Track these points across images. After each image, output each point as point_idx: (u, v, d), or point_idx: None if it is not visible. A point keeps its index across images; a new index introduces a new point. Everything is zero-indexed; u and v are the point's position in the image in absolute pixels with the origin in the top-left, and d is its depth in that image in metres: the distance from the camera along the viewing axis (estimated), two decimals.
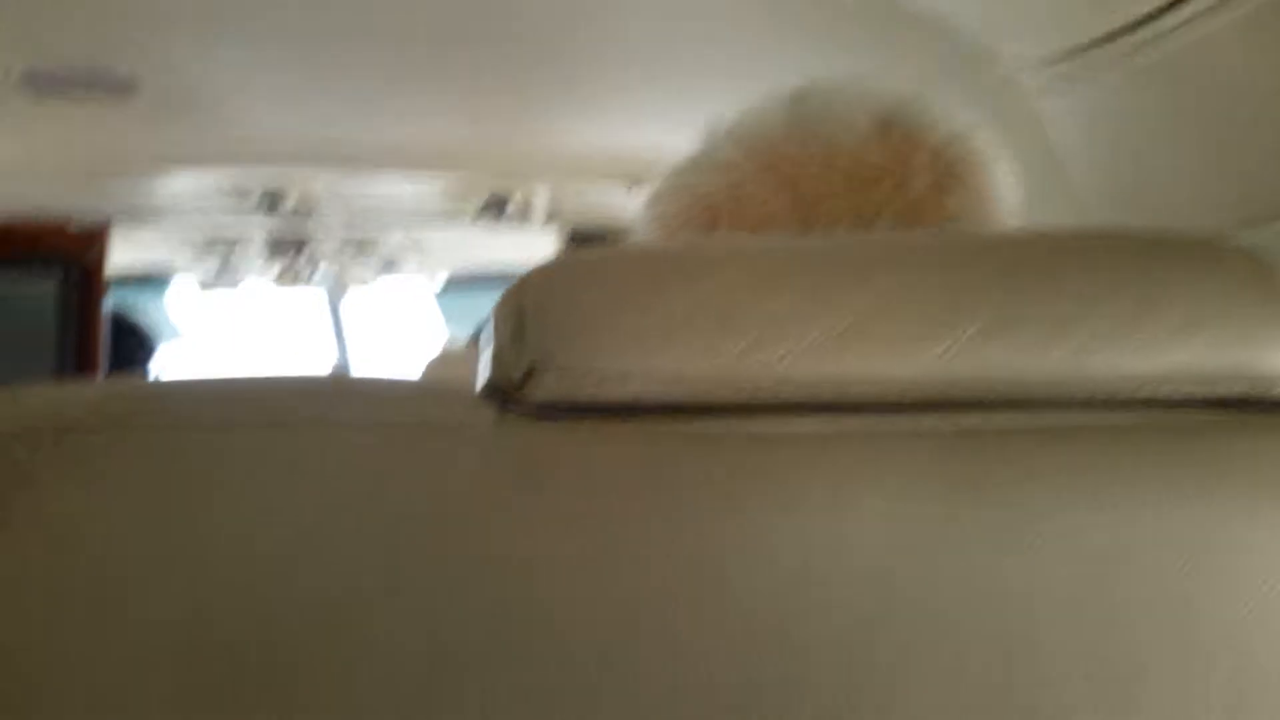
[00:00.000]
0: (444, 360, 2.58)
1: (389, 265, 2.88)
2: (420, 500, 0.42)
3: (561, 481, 0.43)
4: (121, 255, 2.24)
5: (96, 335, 1.97)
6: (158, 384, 0.47)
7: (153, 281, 3.02)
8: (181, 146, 1.53)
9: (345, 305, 3.78)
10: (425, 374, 2.50)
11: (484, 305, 2.68)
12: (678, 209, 0.65)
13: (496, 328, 0.47)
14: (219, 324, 3.64)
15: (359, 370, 3.93)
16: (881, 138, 0.62)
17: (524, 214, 2.06)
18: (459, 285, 3.46)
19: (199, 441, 0.42)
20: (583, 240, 2.32)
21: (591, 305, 0.45)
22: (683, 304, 0.45)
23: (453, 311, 4.57)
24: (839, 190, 0.61)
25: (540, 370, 0.44)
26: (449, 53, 1.23)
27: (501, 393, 0.45)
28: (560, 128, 1.53)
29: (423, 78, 1.31)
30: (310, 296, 3.60)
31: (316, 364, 3.90)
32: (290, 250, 2.54)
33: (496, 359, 0.46)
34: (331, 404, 0.44)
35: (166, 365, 2.57)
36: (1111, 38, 0.90)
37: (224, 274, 2.77)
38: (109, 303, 2.13)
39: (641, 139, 1.57)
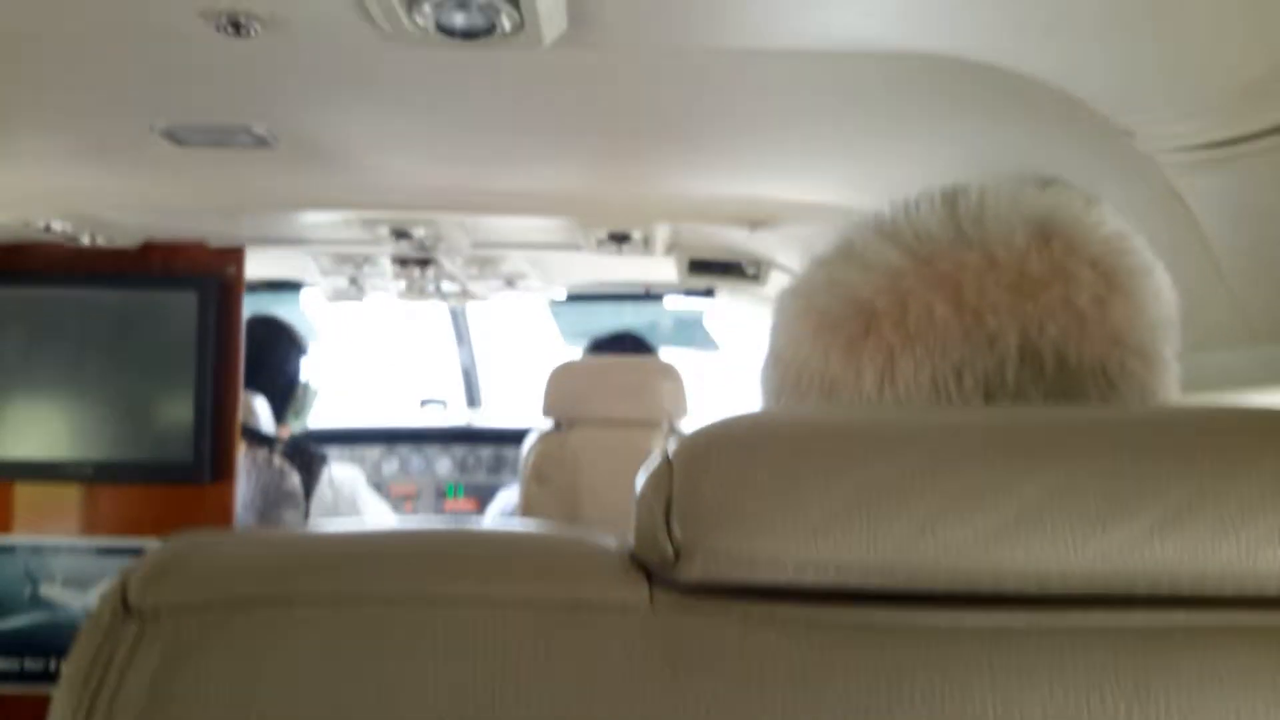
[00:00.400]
0: (566, 370, 2.63)
1: (510, 281, 2.92)
2: (575, 678, 0.43)
3: (713, 667, 0.43)
4: (255, 268, 2.32)
5: (236, 344, 2.05)
6: (326, 549, 0.48)
7: (286, 287, 3.11)
8: (315, 190, 1.58)
9: (468, 317, 3.85)
10: (549, 383, 2.57)
11: (601, 316, 2.73)
12: (834, 309, 0.63)
13: (645, 501, 0.46)
14: (348, 332, 3.75)
15: (483, 377, 4.01)
16: (1041, 247, 0.60)
17: (645, 245, 2.07)
18: (577, 297, 3.49)
19: (365, 616, 0.43)
20: (702, 268, 2.32)
21: (744, 488, 0.44)
22: (840, 492, 0.44)
23: (570, 321, 4.62)
24: (1003, 300, 0.59)
25: (690, 552, 0.44)
26: (573, 111, 1.24)
27: (652, 570, 0.45)
28: (682, 178, 1.53)
29: (547, 131, 1.32)
30: (434, 309, 3.68)
31: (442, 372, 3.99)
32: (415, 267, 2.59)
33: (646, 534, 0.45)
34: (491, 579, 0.45)
35: (314, 368, 2.64)
36: (1264, 135, 0.86)
37: (352, 288, 2.85)
38: (261, 307, 2.21)
39: (762, 190, 1.56)
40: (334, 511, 2.40)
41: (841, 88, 1.13)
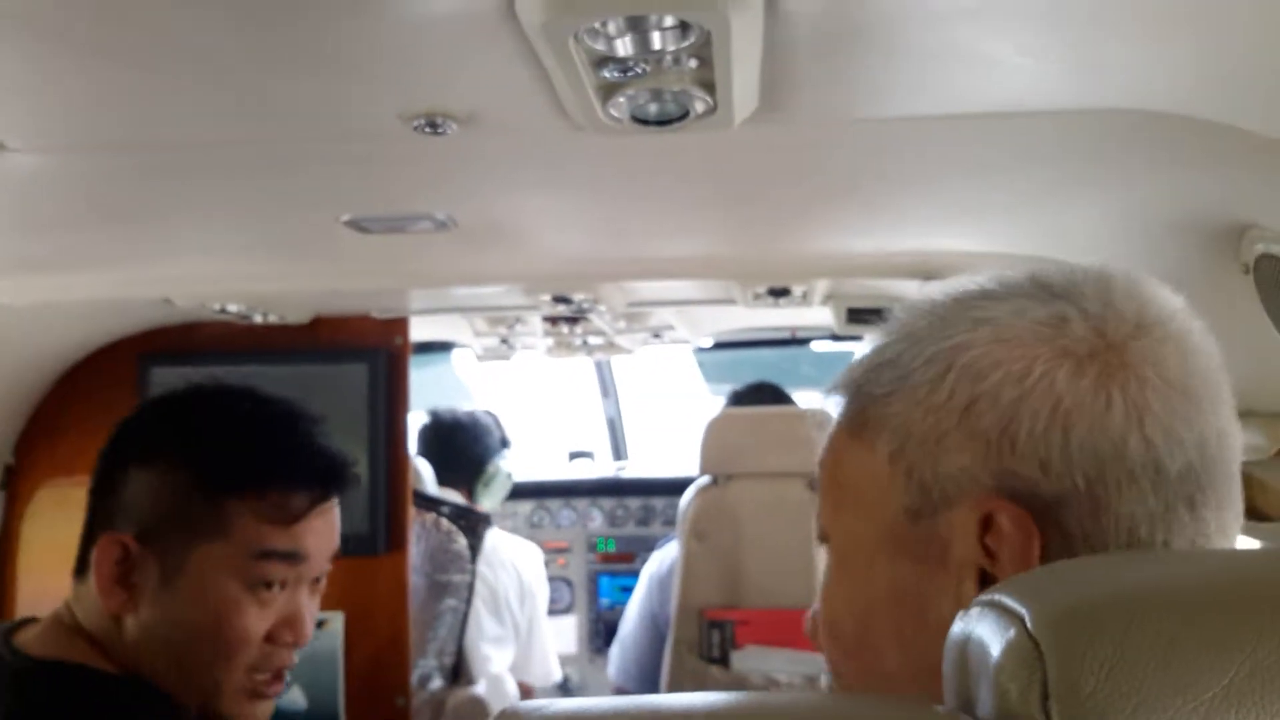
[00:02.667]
0: (721, 424, 2.62)
1: (657, 333, 2.93)
2: None
3: None
4: (415, 333, 2.37)
5: (403, 413, 2.09)
6: None
7: (437, 348, 3.18)
8: (485, 267, 1.61)
9: (613, 369, 3.88)
10: (704, 438, 2.57)
11: (743, 363, 2.71)
12: (1087, 341, 0.64)
13: (1000, 685, 0.43)
14: (498, 387, 3.81)
15: (629, 428, 4.03)
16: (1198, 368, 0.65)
17: (804, 299, 2.06)
18: (723, 344, 3.49)
19: None
20: (859, 318, 2.29)
21: (1128, 676, 0.41)
22: (1230, 673, 0.41)
23: (712, 366, 4.62)
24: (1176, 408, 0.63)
25: None
26: (748, 180, 1.24)
27: None
28: (850, 236, 1.52)
29: (718, 201, 1.33)
30: (580, 364, 3.72)
31: (589, 424, 4.02)
32: (564, 324, 2.62)
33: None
34: None
35: (512, 461, 2.74)
36: None
37: (502, 346, 2.90)
38: (414, 369, 2.27)
39: (933, 243, 1.53)
40: (499, 579, 2.43)
41: (1016, 145, 1.11)
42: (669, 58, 0.81)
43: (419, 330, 2.69)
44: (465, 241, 1.41)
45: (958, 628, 0.47)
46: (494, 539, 2.45)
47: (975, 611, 0.47)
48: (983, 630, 0.45)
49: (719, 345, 3.49)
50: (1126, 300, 0.65)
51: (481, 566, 2.35)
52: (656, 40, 0.78)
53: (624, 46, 0.78)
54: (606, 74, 0.84)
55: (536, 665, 2.53)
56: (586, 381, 3.99)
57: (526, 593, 2.49)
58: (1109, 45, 0.84)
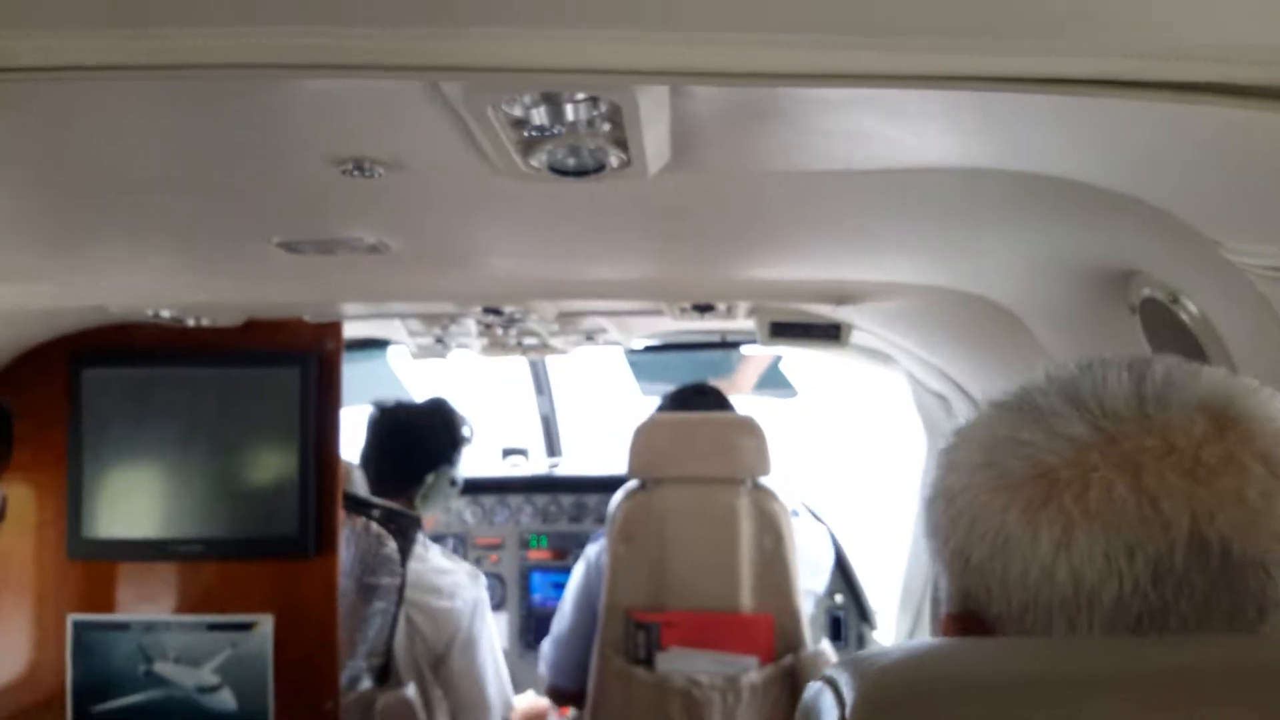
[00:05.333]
0: (649, 429, 2.67)
1: (590, 336, 2.98)
2: None
3: None
4: (345, 329, 2.39)
5: (335, 417, 2.12)
6: None
7: (372, 345, 3.19)
8: (417, 287, 1.65)
9: (547, 367, 3.92)
10: (633, 443, 2.61)
11: (677, 361, 2.75)
12: (1017, 470, 0.65)
13: None
14: (431, 384, 3.82)
15: (563, 426, 4.07)
16: (1217, 437, 0.63)
17: (728, 313, 2.12)
18: (655, 348, 3.55)
19: None
20: (781, 331, 2.36)
21: None
22: None
23: (646, 366, 4.67)
24: (1178, 486, 0.62)
25: None
26: (667, 218, 1.29)
27: None
28: (769, 266, 1.58)
29: (642, 234, 1.38)
30: (513, 363, 3.75)
31: (523, 421, 4.06)
32: (499, 326, 2.65)
33: None
34: None
35: (470, 457, 2.71)
36: None
37: (437, 346, 2.93)
38: (349, 365, 2.29)
39: (847, 274, 1.60)
40: (435, 599, 2.42)
41: (920, 194, 1.17)
42: (583, 123, 0.87)
43: (353, 329, 2.72)
44: (397, 262, 1.45)
45: (807, 695, 0.53)
46: (424, 567, 2.44)
47: (817, 687, 0.53)
48: (820, 706, 0.51)
49: (651, 348, 3.54)
50: (1108, 401, 0.66)
51: (411, 577, 2.36)
52: (569, 112, 0.83)
53: (539, 116, 0.84)
54: (525, 133, 0.89)
55: (472, 712, 2.52)
56: (520, 379, 4.02)
57: (453, 627, 2.46)
58: (1010, 123, 0.90)
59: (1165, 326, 1.27)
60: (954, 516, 0.69)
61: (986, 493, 0.67)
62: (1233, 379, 0.67)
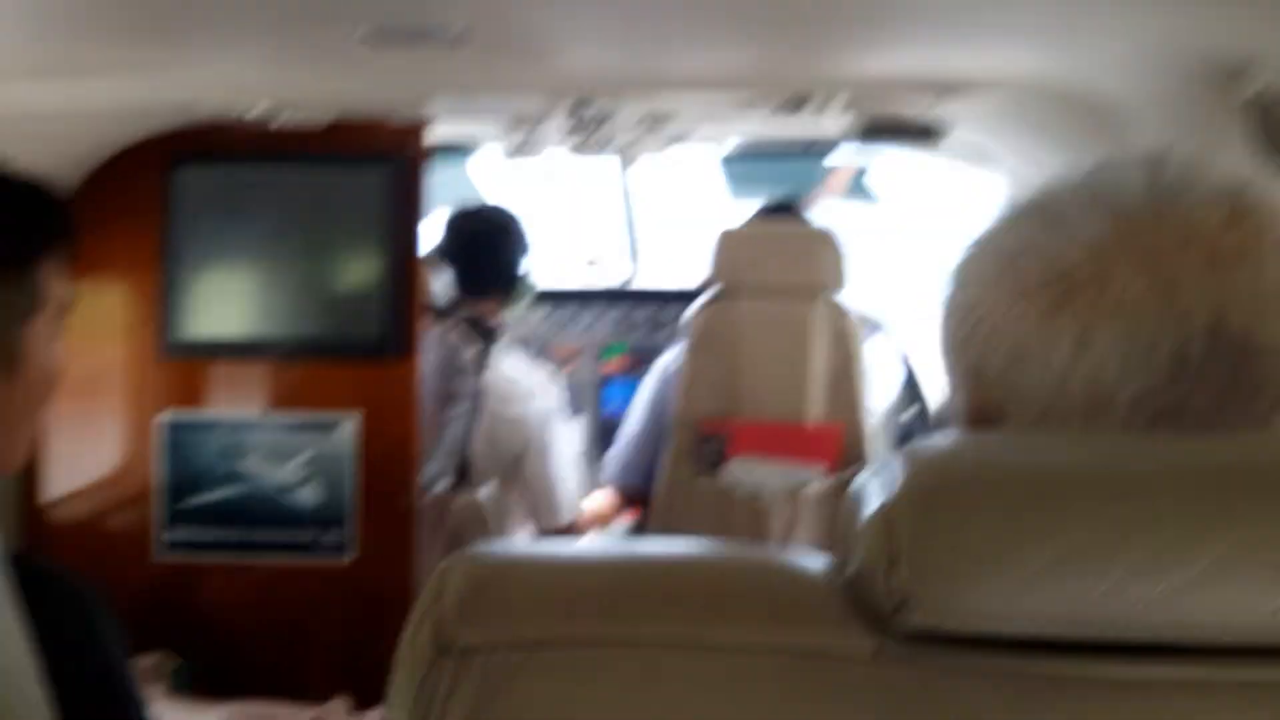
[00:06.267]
0: (730, 239, 2.64)
1: (679, 137, 2.92)
2: (809, 716, 0.49)
3: (925, 713, 0.48)
4: (434, 133, 2.36)
5: (418, 220, 2.12)
6: (602, 587, 0.54)
7: (454, 150, 3.16)
8: (501, 78, 1.60)
9: (632, 176, 3.86)
10: (713, 252, 2.59)
11: (770, 172, 2.70)
12: (1033, 274, 0.65)
13: (866, 549, 0.50)
14: (513, 193, 3.79)
15: (645, 236, 4.03)
16: (1234, 226, 0.62)
17: (821, 109, 2.05)
18: (743, 153, 3.47)
19: (641, 659, 0.50)
20: (877, 130, 2.28)
21: (964, 547, 0.48)
22: (1052, 550, 0.47)
23: (735, 175, 4.59)
24: (1196, 279, 0.61)
25: (912, 604, 0.48)
26: (748, 3, 1.24)
27: (875, 617, 0.50)
28: (866, 51, 1.52)
29: (733, 11, 1.33)
30: (604, 164, 3.69)
31: (605, 232, 4.02)
32: (589, 125, 2.60)
33: (867, 581, 0.50)
34: (741, 624, 0.51)
35: (534, 263, 2.70)
36: None
37: (526, 146, 2.89)
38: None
39: (948, 63, 1.54)
40: (509, 406, 2.45)
41: None
42: None
43: (441, 131, 2.68)
44: (483, 52, 1.41)
45: (858, 481, 0.54)
46: (503, 373, 2.46)
47: (868, 473, 0.54)
48: (869, 490, 0.52)
49: (739, 155, 3.47)
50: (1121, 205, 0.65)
51: (490, 389, 2.39)
52: None
53: None
54: None
55: (546, 512, 2.59)
56: (603, 189, 3.98)
57: (527, 432, 2.50)
58: None
59: (1271, 125, 1.20)
60: (970, 330, 0.68)
61: (1004, 302, 0.66)
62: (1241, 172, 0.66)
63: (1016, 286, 0.65)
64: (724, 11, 1.31)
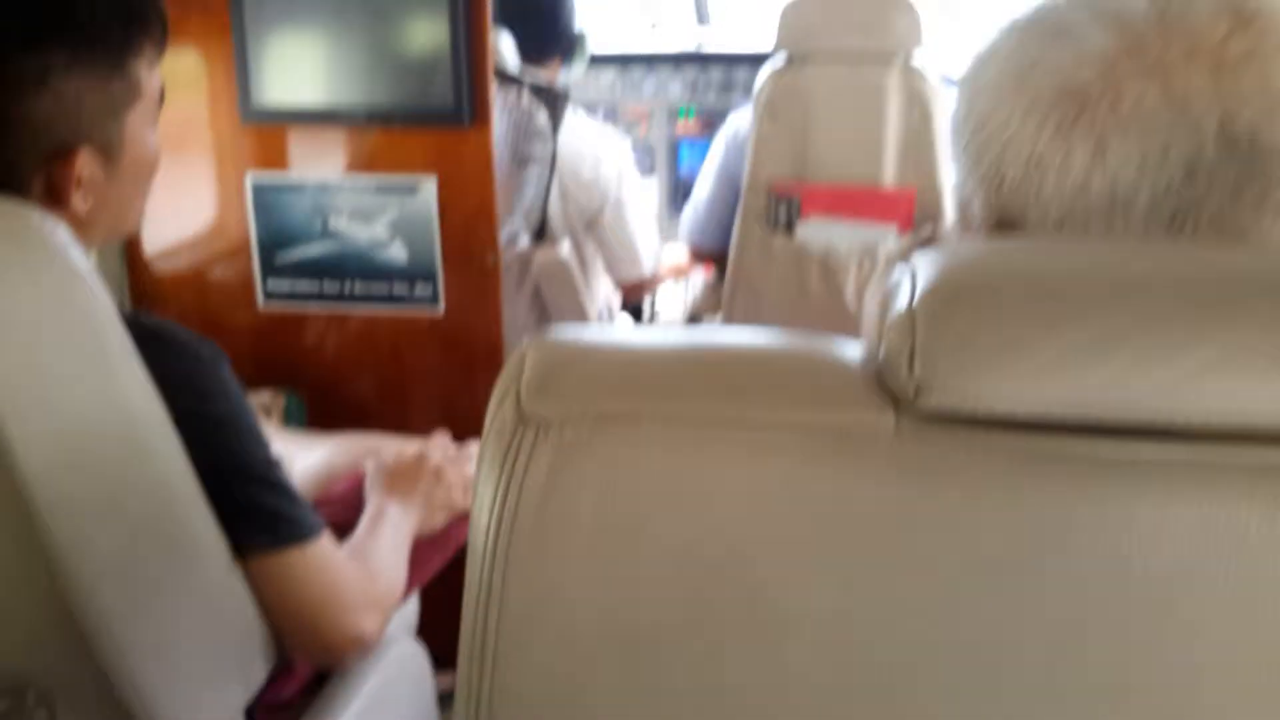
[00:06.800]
0: (800, 2, 2.60)
1: None
2: (834, 489, 0.56)
3: (943, 484, 0.55)
4: None
5: (485, 11, 2.13)
6: (662, 372, 0.61)
7: None
8: None
9: None
10: (782, 16, 2.55)
11: None
12: (1046, 92, 0.67)
13: (891, 341, 0.56)
14: None
15: (712, 1, 3.95)
16: (1240, 30, 0.64)
17: None
18: None
19: (688, 435, 0.58)
20: None
21: (976, 341, 0.54)
22: (1056, 346, 0.53)
23: None
24: (1206, 85, 0.64)
25: (929, 389, 0.54)
26: None
27: (895, 395, 0.56)
28: None
29: None
30: None
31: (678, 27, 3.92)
32: None
33: (892, 367, 0.56)
34: (776, 405, 0.58)
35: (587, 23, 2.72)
36: None
37: None
38: None
39: None
40: (583, 167, 2.52)
41: None
42: None
43: None
44: None
45: (892, 275, 0.59)
46: (574, 137, 2.50)
47: (902, 268, 0.59)
48: (899, 288, 0.58)
49: None
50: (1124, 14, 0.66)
51: (561, 151, 2.45)
52: None
53: None
54: None
55: (624, 265, 2.70)
56: None
57: (601, 192, 2.56)
58: None
59: None
60: (985, 140, 0.71)
61: (1018, 116, 0.69)
62: None
63: (1029, 101, 0.68)
64: None
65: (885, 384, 0.57)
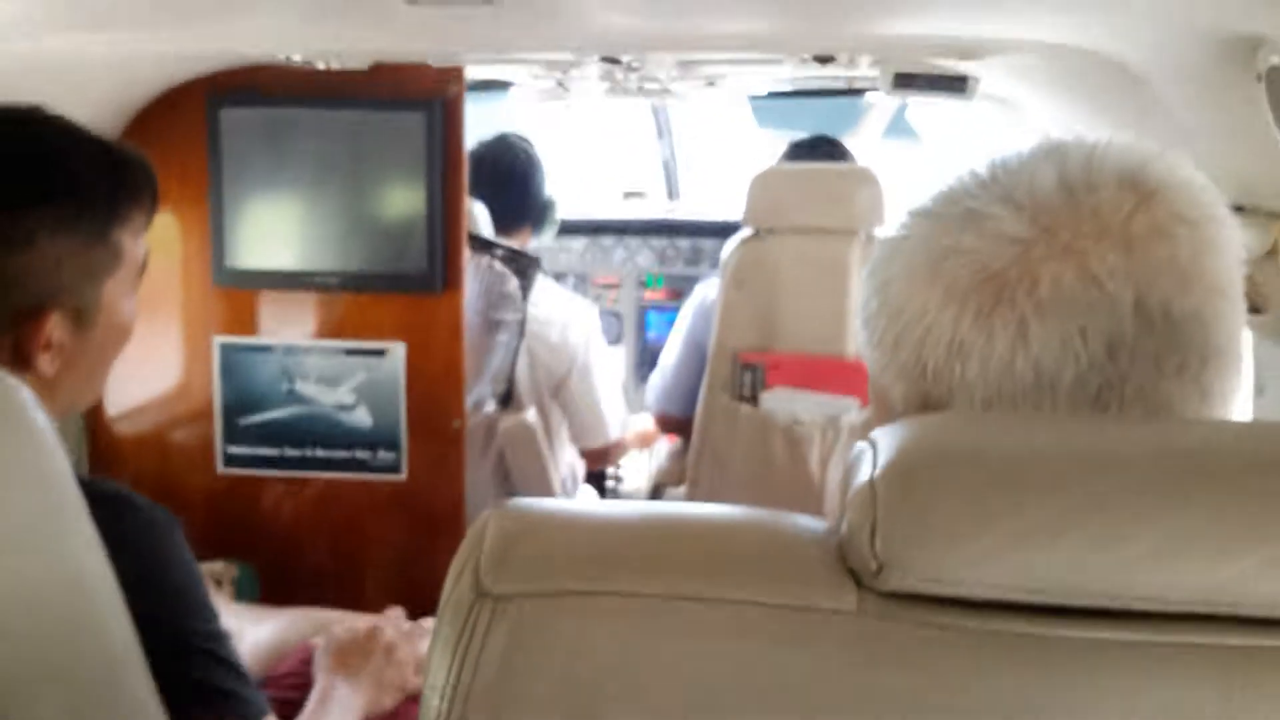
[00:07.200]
0: (766, 179, 2.68)
1: (711, 82, 2.95)
2: (798, 668, 0.56)
3: (903, 663, 0.55)
4: (471, 74, 2.42)
5: (460, 159, 2.19)
6: (624, 547, 0.61)
7: (493, 86, 3.22)
8: (532, 37, 1.66)
9: (669, 111, 3.90)
10: (750, 192, 2.63)
11: (800, 112, 2.69)
12: (963, 279, 0.68)
13: (853, 516, 0.56)
14: (552, 126, 3.85)
15: (683, 169, 4.07)
16: (1144, 209, 0.66)
17: (850, 64, 2.09)
18: (777, 94, 3.49)
19: (650, 609, 0.57)
20: (907, 81, 2.32)
21: (934, 521, 0.54)
22: (1011, 528, 0.54)
23: (769, 111, 4.59)
24: (1119, 264, 0.65)
25: (890, 568, 0.55)
26: None
27: (859, 577, 0.56)
28: (893, 18, 1.56)
29: None
30: (636, 107, 3.74)
31: (643, 165, 4.08)
32: (620, 70, 2.65)
33: (854, 545, 0.56)
34: (738, 583, 0.58)
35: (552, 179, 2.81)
36: None
37: (558, 89, 2.94)
38: (471, 106, 2.33)
39: (975, 28, 1.57)
40: (551, 333, 2.55)
41: None
42: None
43: (475, 72, 2.75)
44: (514, 12, 1.47)
45: (854, 451, 0.60)
46: (543, 302, 2.55)
47: (862, 445, 0.60)
48: (860, 463, 0.58)
49: (773, 94, 3.50)
50: (1039, 199, 0.68)
51: (530, 316, 2.49)
52: None
53: None
54: None
55: (589, 431, 2.71)
56: (641, 123, 4.02)
57: (569, 357, 2.59)
58: None
59: None
60: (902, 330, 0.71)
61: (935, 305, 0.69)
62: (1133, 147, 0.70)
63: (945, 289, 0.69)
64: None
65: (847, 561, 0.57)
